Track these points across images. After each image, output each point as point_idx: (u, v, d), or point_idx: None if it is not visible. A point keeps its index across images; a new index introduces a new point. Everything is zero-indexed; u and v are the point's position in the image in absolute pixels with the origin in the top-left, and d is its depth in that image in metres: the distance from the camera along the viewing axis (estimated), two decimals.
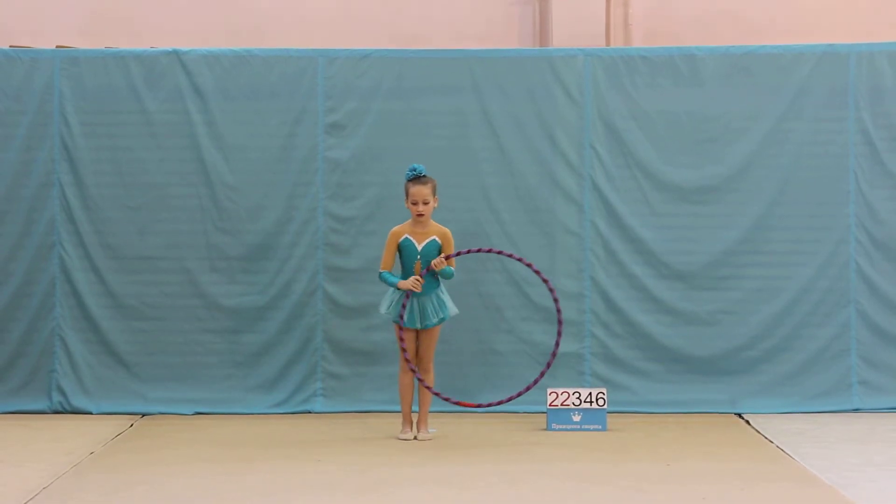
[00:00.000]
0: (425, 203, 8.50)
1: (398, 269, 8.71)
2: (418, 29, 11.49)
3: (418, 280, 8.46)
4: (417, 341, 8.66)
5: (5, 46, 10.26)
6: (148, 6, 11.53)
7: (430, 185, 8.53)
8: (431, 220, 8.62)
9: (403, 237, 8.56)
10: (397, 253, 8.61)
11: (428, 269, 8.49)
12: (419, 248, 8.55)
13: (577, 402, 9.04)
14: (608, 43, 11.44)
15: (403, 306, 8.52)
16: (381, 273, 8.58)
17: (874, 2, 11.55)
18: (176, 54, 9.80)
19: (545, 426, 9.06)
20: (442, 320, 8.65)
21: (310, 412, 9.69)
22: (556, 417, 9.03)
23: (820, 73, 9.76)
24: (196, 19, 11.48)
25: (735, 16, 11.51)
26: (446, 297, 8.67)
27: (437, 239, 8.57)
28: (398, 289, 8.53)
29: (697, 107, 9.79)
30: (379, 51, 9.86)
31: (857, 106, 9.75)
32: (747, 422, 9.33)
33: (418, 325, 8.59)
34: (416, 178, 8.51)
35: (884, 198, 9.76)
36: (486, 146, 9.79)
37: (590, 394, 9.05)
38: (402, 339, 8.58)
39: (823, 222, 9.75)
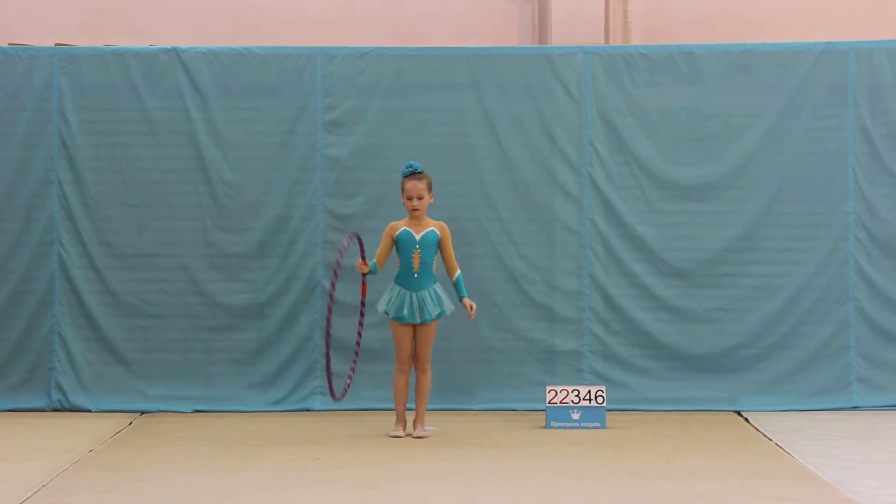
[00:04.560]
0: (420, 198, 8.58)
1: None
2: (418, 26, 11.50)
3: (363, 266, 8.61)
4: (414, 339, 8.67)
5: (4, 44, 10.25)
6: (147, 4, 11.53)
7: (425, 181, 8.61)
8: (427, 218, 8.68)
9: (401, 229, 8.62)
10: (394, 247, 8.65)
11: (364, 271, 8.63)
12: (417, 238, 8.58)
13: (576, 399, 9.04)
14: (607, 41, 11.44)
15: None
16: (372, 262, 8.71)
17: None
18: (175, 52, 9.80)
19: (544, 424, 9.06)
20: (440, 314, 8.66)
21: (309, 410, 9.70)
22: (555, 415, 9.03)
23: (819, 71, 9.76)
24: (195, 17, 11.48)
25: (734, 14, 11.52)
26: (443, 294, 8.69)
27: (435, 230, 8.63)
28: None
29: (696, 104, 9.79)
30: (378, 48, 9.86)
31: (857, 103, 9.75)
32: (746, 419, 9.34)
33: (417, 320, 8.60)
34: (412, 174, 8.61)
35: (883, 195, 9.77)
36: (485, 144, 9.80)
37: (589, 391, 9.05)
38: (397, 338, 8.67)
39: (822, 220, 9.75)
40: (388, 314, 8.68)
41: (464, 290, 8.76)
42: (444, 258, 8.70)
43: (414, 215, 8.63)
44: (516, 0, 11.68)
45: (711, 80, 9.79)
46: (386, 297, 8.70)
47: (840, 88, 9.76)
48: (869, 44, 9.82)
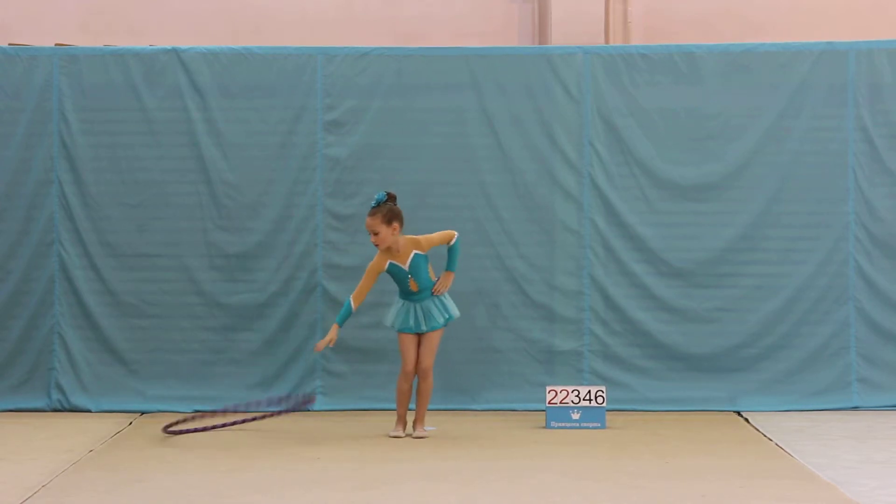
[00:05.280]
0: (375, 233, 8.50)
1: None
2: (418, 26, 11.50)
3: (329, 343, 8.65)
4: (419, 347, 8.67)
5: (4, 44, 10.25)
6: (147, 4, 11.53)
7: (378, 216, 8.47)
8: (401, 239, 8.59)
9: (388, 264, 8.58)
10: (390, 277, 8.65)
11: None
12: (406, 268, 8.58)
13: (577, 399, 9.04)
14: (607, 41, 11.44)
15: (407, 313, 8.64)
16: (349, 298, 8.66)
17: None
18: (175, 52, 9.80)
19: (544, 424, 9.06)
20: (448, 320, 8.66)
21: (309, 410, 9.69)
22: (556, 415, 9.03)
23: (819, 71, 9.76)
24: (195, 17, 11.48)
25: (734, 14, 11.52)
26: (448, 300, 8.70)
27: (417, 252, 8.60)
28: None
29: (696, 104, 9.79)
30: (378, 48, 9.86)
31: (857, 103, 9.75)
32: (746, 419, 9.33)
33: (424, 328, 8.61)
34: (370, 210, 8.53)
35: (883, 195, 9.76)
36: (485, 144, 9.79)
37: (589, 391, 9.05)
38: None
39: (822, 220, 9.75)
40: (394, 328, 8.70)
41: (453, 263, 8.71)
42: (438, 243, 8.68)
43: (381, 251, 8.58)
44: (516, 0, 11.68)
45: (711, 80, 9.79)
46: (392, 312, 8.72)
47: (840, 88, 9.76)
48: (869, 44, 9.82)
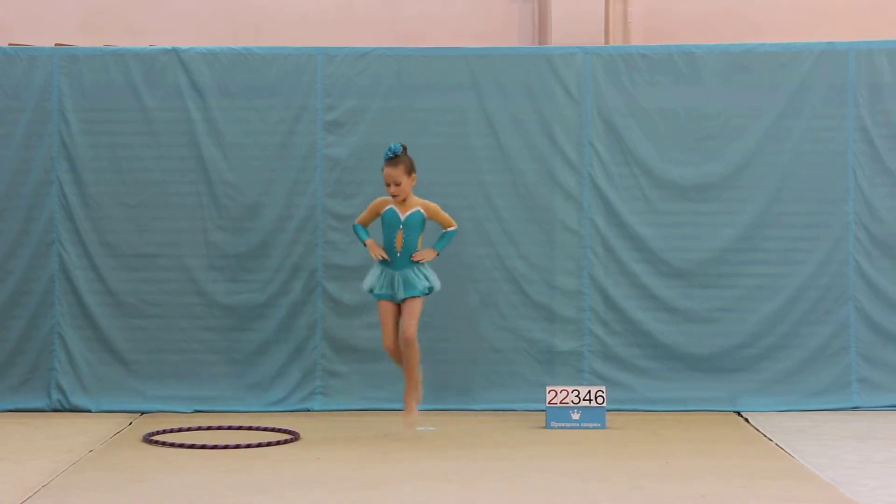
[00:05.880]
0: (397, 184, 8.56)
1: (377, 237, 8.77)
2: (418, 26, 11.51)
3: (385, 258, 8.60)
4: (399, 315, 8.62)
5: (4, 44, 10.25)
6: (147, 4, 11.54)
7: (401, 167, 8.56)
8: (414, 197, 8.67)
9: (388, 207, 8.64)
10: (380, 223, 8.68)
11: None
12: (402, 218, 8.59)
13: (576, 399, 9.04)
14: (607, 41, 11.45)
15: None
16: (354, 224, 8.81)
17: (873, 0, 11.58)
18: (175, 52, 9.80)
19: (544, 424, 9.06)
20: (428, 289, 8.63)
21: (309, 410, 9.69)
22: (555, 415, 9.03)
23: (819, 71, 9.76)
24: (195, 17, 11.49)
25: (734, 14, 11.53)
26: (430, 272, 8.68)
27: (420, 210, 8.63)
28: (365, 245, 8.69)
29: (696, 104, 9.79)
30: (378, 48, 9.86)
31: (857, 104, 9.75)
32: (746, 419, 9.33)
33: (400, 296, 8.57)
34: (388, 161, 8.58)
35: (883, 195, 9.77)
36: (485, 144, 9.80)
37: (589, 392, 9.05)
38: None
39: (822, 220, 9.75)
40: (371, 292, 8.69)
41: (441, 245, 8.73)
42: (440, 223, 8.72)
43: (396, 201, 8.64)
44: (516, 0, 11.69)
45: (711, 80, 9.79)
46: (369, 278, 8.72)
47: (840, 88, 9.76)
48: (869, 44, 9.82)
